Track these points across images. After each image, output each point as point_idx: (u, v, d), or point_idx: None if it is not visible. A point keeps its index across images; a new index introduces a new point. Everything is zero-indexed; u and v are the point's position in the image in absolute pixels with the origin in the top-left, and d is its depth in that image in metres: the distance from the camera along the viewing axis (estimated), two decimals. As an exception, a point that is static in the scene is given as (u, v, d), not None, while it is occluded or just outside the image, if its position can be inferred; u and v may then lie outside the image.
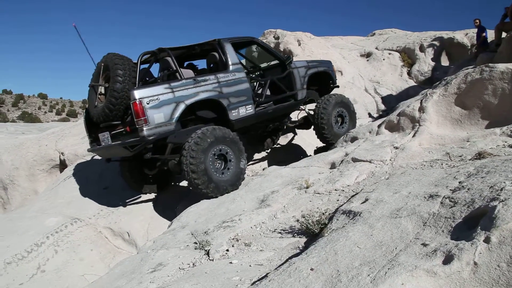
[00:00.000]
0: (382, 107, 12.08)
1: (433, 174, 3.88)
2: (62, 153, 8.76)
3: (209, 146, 5.64)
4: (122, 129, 5.89)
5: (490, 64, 5.82)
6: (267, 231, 4.03)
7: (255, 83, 7.62)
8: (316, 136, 7.98)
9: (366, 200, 3.58)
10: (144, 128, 5.34)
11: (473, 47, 12.51)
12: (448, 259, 2.12)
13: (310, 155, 8.04)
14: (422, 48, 13.39)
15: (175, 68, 6.16)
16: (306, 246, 3.47)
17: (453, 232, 2.45)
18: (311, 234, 3.62)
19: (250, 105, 6.62)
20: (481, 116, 5.88)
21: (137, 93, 5.37)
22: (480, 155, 4.43)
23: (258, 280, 2.66)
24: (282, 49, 12.05)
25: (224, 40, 6.62)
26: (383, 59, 13.81)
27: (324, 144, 7.97)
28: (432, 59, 13.10)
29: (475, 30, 12.49)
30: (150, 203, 6.74)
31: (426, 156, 5.18)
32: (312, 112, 7.90)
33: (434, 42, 13.33)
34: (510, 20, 8.42)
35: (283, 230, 3.94)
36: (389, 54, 13.99)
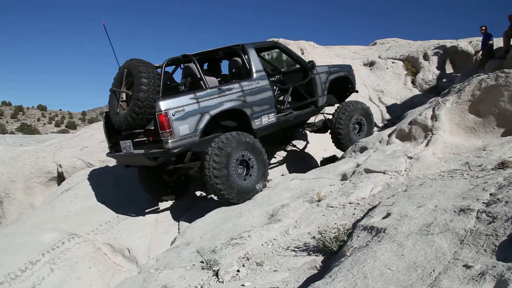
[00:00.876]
0: (387, 116, 11.86)
1: (457, 186, 3.62)
2: (60, 165, 8.45)
3: (232, 151, 5.54)
4: (145, 138, 5.69)
5: (505, 70, 5.59)
6: (280, 249, 3.74)
7: (276, 88, 7.44)
8: (332, 141, 7.86)
9: (388, 214, 3.30)
10: (169, 141, 5.18)
11: (478, 54, 12.33)
12: (501, 285, 1.84)
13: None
14: (426, 57, 13.19)
15: (199, 76, 6.03)
16: (325, 265, 3.20)
17: (498, 251, 2.18)
18: (328, 252, 3.34)
19: (273, 114, 6.51)
20: (496, 123, 5.63)
21: (163, 105, 5.19)
22: (503, 165, 4.17)
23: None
24: (285, 59, 11.86)
25: (248, 46, 6.47)
26: (387, 68, 13.60)
27: (330, 155, 7.74)
28: (437, 68, 12.89)
29: (479, 38, 12.35)
30: (152, 217, 6.45)
31: (443, 166, 4.92)
32: (330, 117, 7.81)
33: (437, 50, 13.14)
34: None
35: (297, 248, 3.65)
36: (393, 63, 13.78)
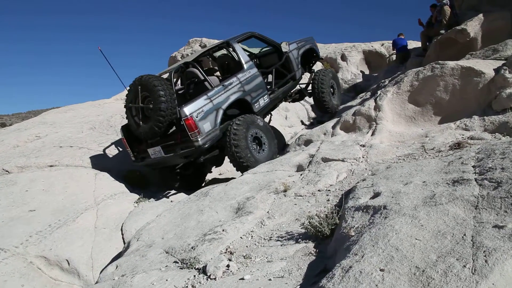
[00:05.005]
0: (312, 114, 12.17)
1: (430, 164, 3.70)
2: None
3: (248, 128, 6.37)
4: (173, 141, 6.34)
5: (440, 61, 5.99)
6: (262, 240, 3.51)
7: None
8: (316, 106, 9.14)
9: (377, 194, 3.26)
10: (199, 139, 5.93)
11: (391, 56, 13.29)
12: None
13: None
14: (343, 57, 13.84)
15: (203, 78, 6.87)
16: (320, 251, 3.05)
17: (522, 211, 2.20)
18: (320, 237, 3.20)
19: (266, 95, 7.35)
20: (433, 112, 6.00)
21: (187, 110, 5.92)
22: (459, 145, 4.42)
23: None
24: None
25: (232, 41, 7.25)
26: (307, 68, 14.01)
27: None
28: (354, 68, 13.60)
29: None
30: (90, 223, 5.75)
31: (397, 151, 5.09)
32: (303, 86, 9.01)
33: (354, 52, 13.89)
34: (435, 26, 8.97)
35: (281, 237, 3.45)
36: (313, 63, 14.23)
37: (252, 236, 3.63)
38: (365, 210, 3.04)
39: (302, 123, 11.75)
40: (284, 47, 8.08)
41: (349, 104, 8.88)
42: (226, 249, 3.43)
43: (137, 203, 6.57)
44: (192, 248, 3.53)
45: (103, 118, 9.88)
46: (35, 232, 5.48)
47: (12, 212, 5.78)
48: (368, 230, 2.58)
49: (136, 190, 7.08)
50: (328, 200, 4.00)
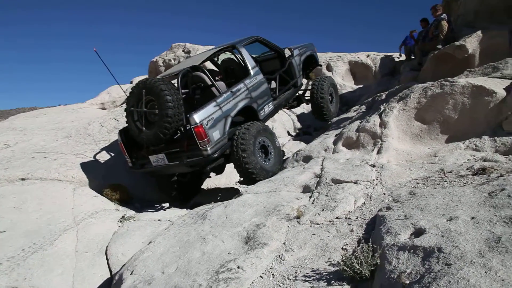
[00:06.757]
0: (298, 125, 11.86)
1: (466, 195, 3.37)
2: None
3: (254, 135, 6.17)
4: (178, 149, 6.07)
5: (449, 79, 5.75)
6: (286, 281, 3.06)
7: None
8: (313, 113, 9.03)
9: (421, 230, 2.89)
10: (208, 148, 5.72)
11: (376, 68, 13.14)
12: None
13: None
14: (329, 67, 13.59)
15: (210, 83, 6.60)
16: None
17: None
18: (357, 279, 2.79)
19: (271, 102, 7.24)
20: (440, 130, 5.76)
21: (197, 117, 5.66)
22: (484, 170, 4.14)
23: None
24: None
25: (239, 45, 6.99)
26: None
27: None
28: (340, 78, 13.38)
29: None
30: (70, 247, 5.14)
31: (411, 173, 4.78)
32: (300, 93, 8.86)
33: (340, 62, 13.67)
34: (426, 41, 8.84)
35: (308, 277, 3.03)
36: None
37: (273, 274, 3.19)
38: (412, 251, 2.66)
39: (288, 133, 11.42)
40: (287, 53, 7.92)
41: (343, 116, 8.59)
42: (247, 294, 2.97)
43: (121, 222, 6.00)
44: (205, 290, 3.04)
45: (79, 125, 9.19)
46: (6, 258, 4.86)
47: (-21, 235, 5.11)
48: (433, 282, 2.19)
49: (120, 207, 6.51)
50: (352, 230, 3.61)
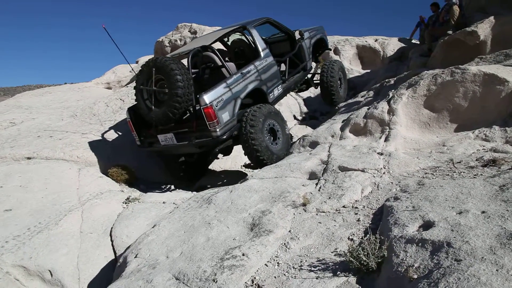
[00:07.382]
0: (305, 109, 11.76)
1: (476, 187, 3.32)
2: None
3: (265, 115, 6.17)
4: (186, 129, 6.07)
5: (460, 66, 5.63)
6: (291, 270, 3.05)
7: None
8: (323, 97, 9.00)
9: (429, 223, 2.85)
10: (217, 129, 5.71)
11: (384, 53, 12.94)
12: None
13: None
14: (336, 51, 13.41)
15: (220, 64, 6.57)
16: (366, 287, 2.63)
17: None
18: (363, 270, 2.77)
19: (280, 85, 7.19)
20: (449, 119, 5.66)
21: (207, 98, 5.64)
22: (494, 162, 4.08)
23: None
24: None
25: (249, 26, 6.90)
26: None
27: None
28: (347, 62, 13.20)
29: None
30: (75, 227, 5.16)
31: (419, 163, 4.71)
32: (309, 76, 8.78)
33: (347, 45, 13.47)
34: (436, 26, 8.65)
35: (313, 267, 3.01)
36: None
37: (278, 263, 3.17)
38: (420, 244, 2.63)
39: (295, 117, 11.34)
40: (298, 36, 7.81)
41: (350, 101, 8.49)
42: (252, 281, 2.96)
43: (126, 203, 6.01)
44: (210, 277, 3.04)
45: (84, 105, 9.14)
46: (12, 237, 4.88)
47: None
48: (442, 278, 2.17)
49: (125, 188, 6.51)
50: (359, 220, 3.58)
